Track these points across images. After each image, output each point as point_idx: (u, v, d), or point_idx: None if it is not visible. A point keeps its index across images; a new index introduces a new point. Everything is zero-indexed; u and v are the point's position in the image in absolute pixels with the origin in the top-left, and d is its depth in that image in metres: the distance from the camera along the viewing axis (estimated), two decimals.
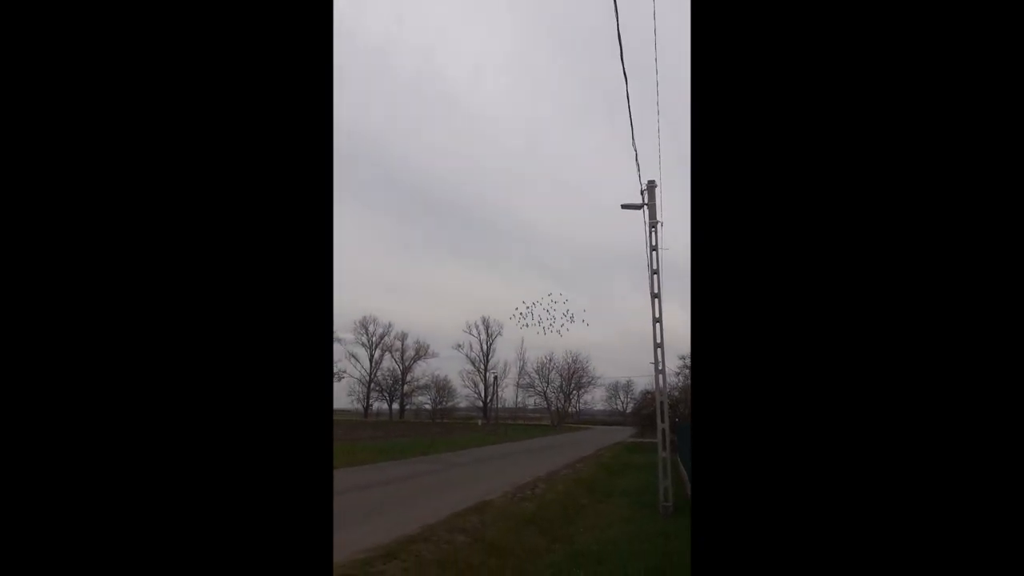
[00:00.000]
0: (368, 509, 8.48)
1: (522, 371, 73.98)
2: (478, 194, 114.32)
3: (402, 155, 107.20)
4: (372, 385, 73.44)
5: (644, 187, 9.39)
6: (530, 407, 77.36)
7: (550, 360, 74.84)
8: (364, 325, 71.51)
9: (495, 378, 67.81)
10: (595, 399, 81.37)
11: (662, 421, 8.77)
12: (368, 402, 73.68)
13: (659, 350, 8.85)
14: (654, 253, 9.02)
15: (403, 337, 73.76)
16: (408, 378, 74.54)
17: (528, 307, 71.18)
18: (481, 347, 73.61)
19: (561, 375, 74.25)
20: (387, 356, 73.74)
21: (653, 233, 9.13)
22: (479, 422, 59.94)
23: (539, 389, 74.62)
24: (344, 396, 71.99)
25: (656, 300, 8.88)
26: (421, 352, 73.61)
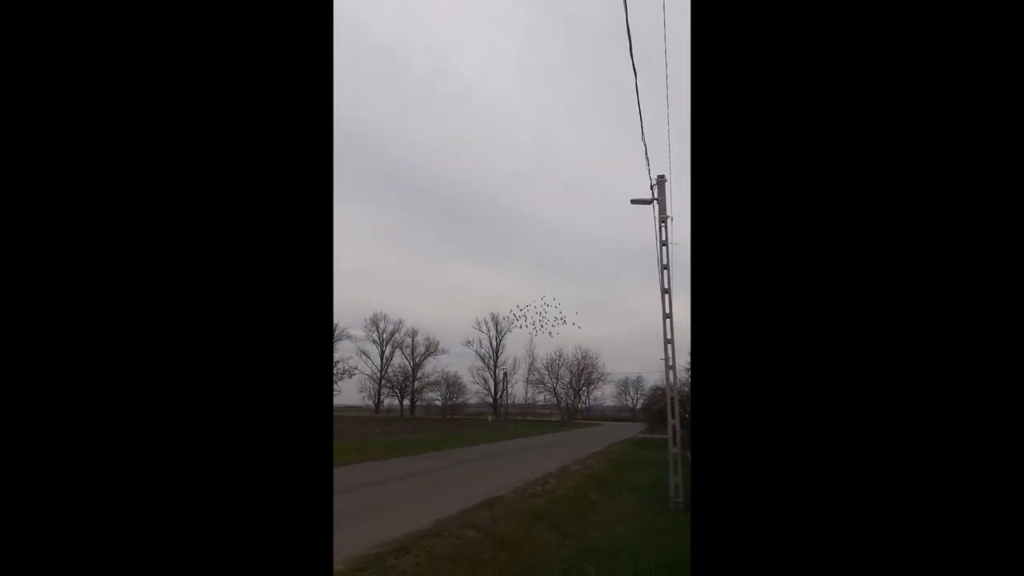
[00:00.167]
0: (380, 505, 8.54)
1: (532, 367, 74.25)
2: (487, 190, 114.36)
3: (413, 152, 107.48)
4: (383, 381, 74.05)
5: (654, 182, 9.34)
6: (540, 403, 77.46)
7: (560, 356, 75.02)
8: (375, 322, 72.15)
9: (505, 374, 68.04)
10: (605, 395, 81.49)
11: (672, 417, 8.74)
12: (379, 398, 74.28)
13: (669, 346, 8.82)
14: (664, 248, 8.97)
15: (413, 334, 74.31)
16: (418, 374, 75.11)
17: (522, 309, 72.80)
18: (491, 343, 73.87)
19: (571, 371, 74.38)
20: (398, 353, 74.40)
21: (663, 228, 9.08)
22: (489, 418, 60.07)
23: (549, 385, 74.81)
24: (355, 392, 72.80)
25: (666, 295, 8.84)
26: (431, 349, 74.15)
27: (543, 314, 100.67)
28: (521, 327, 71.05)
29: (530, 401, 75.87)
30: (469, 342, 79.39)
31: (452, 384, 75.55)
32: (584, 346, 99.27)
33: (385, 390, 74.99)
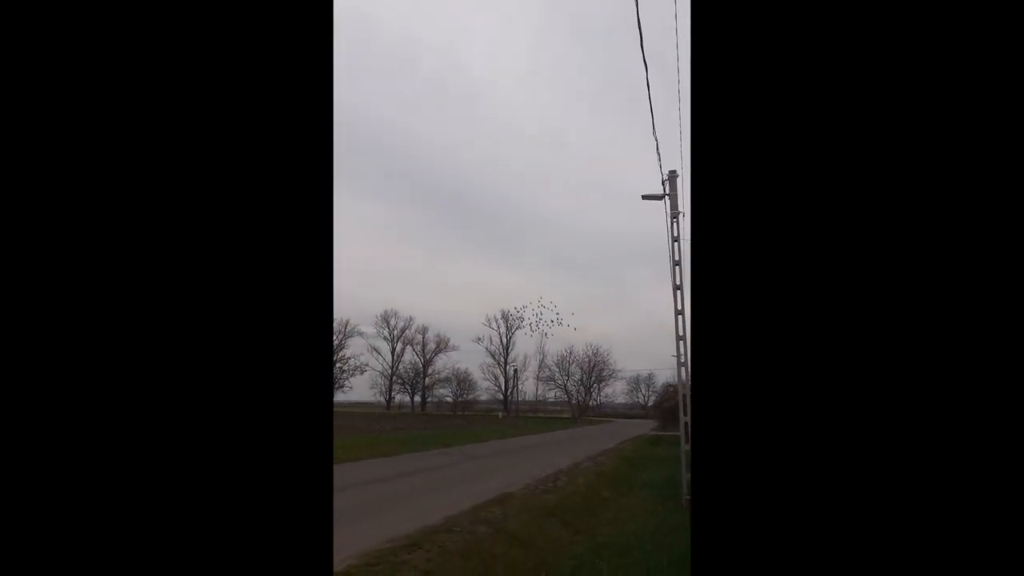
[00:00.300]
0: (391, 500, 8.59)
1: (542, 364, 74.25)
2: (497, 186, 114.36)
3: (424, 149, 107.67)
4: (394, 378, 74.46)
5: (665, 177, 9.28)
6: (550, 400, 77.50)
7: (570, 353, 74.93)
8: (386, 319, 72.54)
9: (515, 371, 68.12)
10: (616, 392, 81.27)
11: (684, 414, 8.70)
12: (390, 395, 74.71)
13: (681, 342, 8.76)
14: (676, 244, 8.91)
15: (424, 331, 74.61)
16: (429, 371, 75.44)
17: (519, 311, 73.70)
18: (501, 340, 73.98)
19: (581, 368, 74.28)
20: (408, 349, 74.75)
21: (675, 223, 9.02)
22: (499, 415, 60.22)
23: (559, 382, 74.78)
24: (367, 389, 73.32)
25: (679, 292, 8.78)
26: (442, 345, 74.43)
27: (540, 315, 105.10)
28: (519, 328, 71.97)
29: (541, 398, 75.96)
30: (479, 339, 79.62)
31: (463, 381, 75.85)
32: (595, 343, 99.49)
33: (396, 386, 75.52)
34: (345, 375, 69.19)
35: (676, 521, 6.86)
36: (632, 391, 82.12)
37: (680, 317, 8.72)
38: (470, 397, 76.13)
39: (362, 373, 70.48)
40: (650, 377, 78.60)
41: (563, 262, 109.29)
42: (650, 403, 71.76)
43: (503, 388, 72.97)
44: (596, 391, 76.75)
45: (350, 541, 5.71)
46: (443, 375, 76.09)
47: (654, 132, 8.32)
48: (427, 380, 75.58)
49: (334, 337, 67.67)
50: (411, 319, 76.56)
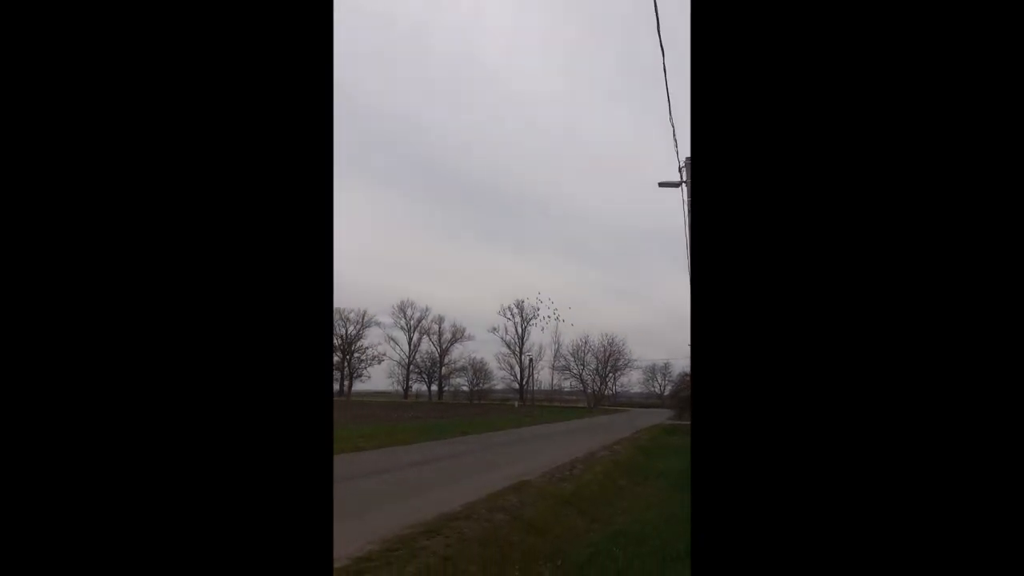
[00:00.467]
0: (410, 487, 8.71)
1: (557, 353, 74.28)
2: (513, 175, 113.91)
3: (438, 139, 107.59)
4: (411, 367, 75.16)
5: (682, 164, 9.17)
6: (566, 389, 77.57)
7: (586, 343, 74.81)
8: (402, 309, 73.09)
9: (531, 360, 68.27)
10: (632, 381, 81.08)
11: None
12: (407, 384, 75.50)
13: None
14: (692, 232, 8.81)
15: (440, 321, 75.06)
16: (446, 360, 76.00)
17: (517, 304, 73.88)
18: (516, 330, 74.10)
19: (597, 357, 74.17)
20: (425, 339, 75.32)
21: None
22: (515, 404, 60.48)
23: (575, 371, 74.80)
24: (384, 378, 74.18)
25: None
26: (458, 335, 74.86)
27: (537, 311, 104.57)
28: (534, 317, 72.38)
29: (556, 387, 76.09)
30: (495, 328, 79.87)
31: (479, 370, 76.33)
32: (610, 332, 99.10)
33: (413, 376, 76.29)
34: (363, 364, 70.10)
35: None
36: (648, 380, 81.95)
37: None
38: (486, 386, 76.63)
39: (380, 363, 71.41)
40: (666, 366, 78.33)
41: (580, 250, 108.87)
42: (666, 392, 71.50)
43: (519, 377, 73.30)
44: (612, 380, 76.75)
45: (370, 527, 5.81)
46: (459, 364, 76.76)
47: (671, 117, 8.22)
48: (444, 369, 76.23)
49: (352, 328, 68.53)
50: (427, 309, 77.03)
